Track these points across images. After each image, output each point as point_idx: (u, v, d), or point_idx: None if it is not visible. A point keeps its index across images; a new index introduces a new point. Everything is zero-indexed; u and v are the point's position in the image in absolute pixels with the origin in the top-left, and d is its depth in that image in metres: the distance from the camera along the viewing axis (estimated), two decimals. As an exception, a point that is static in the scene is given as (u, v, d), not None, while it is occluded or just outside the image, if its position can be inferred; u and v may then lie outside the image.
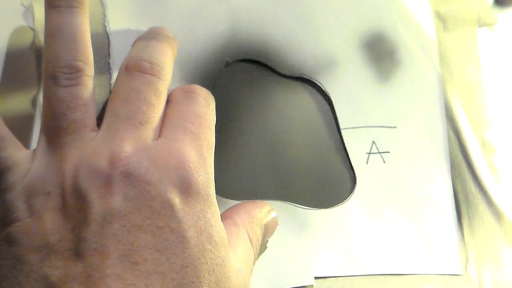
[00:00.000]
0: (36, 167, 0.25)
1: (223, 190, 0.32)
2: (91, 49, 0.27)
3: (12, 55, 0.29)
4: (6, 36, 0.30)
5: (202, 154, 0.26)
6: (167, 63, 0.28)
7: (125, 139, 0.24)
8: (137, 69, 0.26)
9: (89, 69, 0.26)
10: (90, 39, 0.27)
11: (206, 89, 0.29)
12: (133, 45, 0.29)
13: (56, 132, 0.25)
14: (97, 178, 0.23)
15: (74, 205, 0.23)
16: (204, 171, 0.25)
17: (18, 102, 0.29)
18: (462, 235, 0.35)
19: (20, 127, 0.29)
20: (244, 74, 0.34)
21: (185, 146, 0.25)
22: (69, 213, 0.23)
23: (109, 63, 0.31)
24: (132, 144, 0.24)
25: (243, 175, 0.33)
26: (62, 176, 0.24)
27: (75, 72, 0.25)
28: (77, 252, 0.22)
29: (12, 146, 0.26)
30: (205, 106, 0.28)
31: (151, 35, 0.29)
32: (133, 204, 0.23)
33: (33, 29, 0.30)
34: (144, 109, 0.26)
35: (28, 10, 0.30)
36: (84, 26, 0.27)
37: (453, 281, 0.34)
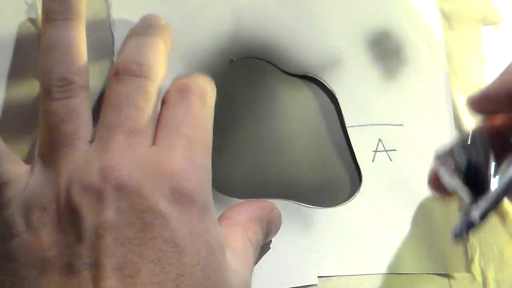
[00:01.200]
0: (33, 182, 0.24)
1: (227, 188, 0.31)
2: (86, 59, 0.26)
3: (16, 53, 0.29)
4: (10, 34, 0.30)
5: (195, 160, 0.25)
6: (158, 59, 0.27)
7: (116, 150, 0.24)
8: (126, 72, 0.26)
9: (82, 80, 0.26)
10: (85, 50, 0.26)
11: (203, 82, 0.28)
12: (125, 41, 0.28)
13: (51, 145, 0.25)
14: (89, 193, 0.23)
15: (69, 220, 0.23)
16: (197, 178, 0.25)
17: (22, 102, 0.29)
18: (467, 234, 0.35)
19: (25, 129, 0.29)
20: (248, 72, 0.33)
21: (177, 153, 0.25)
22: (64, 228, 0.23)
23: (113, 61, 0.31)
24: (123, 155, 0.24)
25: (247, 174, 0.32)
26: (57, 191, 0.24)
27: (67, 85, 0.25)
28: (73, 267, 0.23)
29: (9, 161, 0.25)
30: (200, 105, 0.27)
31: (143, 29, 0.28)
32: (126, 217, 0.23)
33: (36, 27, 0.30)
34: (134, 116, 0.25)
35: (32, 8, 0.30)
36: (79, 38, 0.26)
37: (457, 281, 0.34)
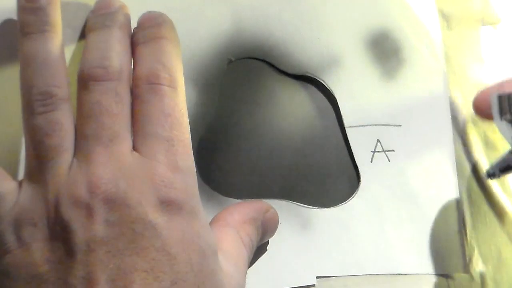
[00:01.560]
0: (22, 197, 0.24)
1: (225, 189, 0.31)
2: (65, 70, 0.26)
3: (14, 56, 0.29)
4: (9, 35, 0.29)
5: (178, 164, 0.25)
6: (122, 54, 0.26)
7: (99, 163, 0.24)
8: (92, 78, 0.25)
9: (63, 92, 0.25)
10: (64, 61, 0.26)
11: (169, 58, 0.27)
12: (86, 38, 0.27)
13: (37, 160, 0.25)
14: (77, 208, 0.23)
15: (59, 235, 0.23)
16: (182, 183, 0.25)
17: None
18: (465, 234, 0.35)
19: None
20: (247, 73, 0.33)
21: (159, 162, 0.25)
22: (55, 243, 0.23)
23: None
24: (107, 168, 0.24)
25: (246, 174, 0.32)
26: (46, 207, 0.24)
27: (49, 98, 0.25)
28: (66, 281, 0.23)
29: None
30: (171, 95, 0.26)
31: (101, 22, 0.27)
32: (116, 229, 0.23)
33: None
34: (109, 124, 0.25)
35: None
36: (57, 49, 0.26)
37: (456, 281, 0.33)
